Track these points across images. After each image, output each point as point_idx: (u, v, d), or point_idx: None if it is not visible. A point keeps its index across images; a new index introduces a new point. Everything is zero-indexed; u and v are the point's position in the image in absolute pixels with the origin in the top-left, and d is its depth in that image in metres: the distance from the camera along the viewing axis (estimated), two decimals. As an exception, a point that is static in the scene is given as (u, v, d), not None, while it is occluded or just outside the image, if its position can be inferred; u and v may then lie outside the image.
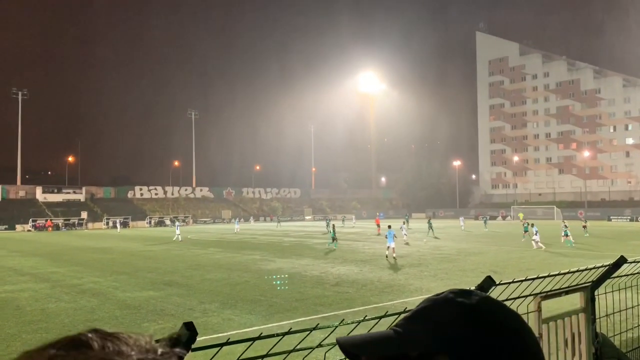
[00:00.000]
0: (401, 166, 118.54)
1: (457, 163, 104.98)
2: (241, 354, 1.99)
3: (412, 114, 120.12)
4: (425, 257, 24.82)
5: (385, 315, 2.57)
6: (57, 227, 68.73)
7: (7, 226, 67.82)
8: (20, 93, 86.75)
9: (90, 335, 0.57)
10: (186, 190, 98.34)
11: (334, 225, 33.23)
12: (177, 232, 41.65)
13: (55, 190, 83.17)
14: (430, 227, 41.93)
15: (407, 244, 31.85)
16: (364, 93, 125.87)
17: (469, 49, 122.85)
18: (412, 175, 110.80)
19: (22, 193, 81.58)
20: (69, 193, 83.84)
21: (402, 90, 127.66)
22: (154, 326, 11.15)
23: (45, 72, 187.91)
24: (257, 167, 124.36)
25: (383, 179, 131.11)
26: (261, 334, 2.21)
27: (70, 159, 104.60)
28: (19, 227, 67.75)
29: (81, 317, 12.08)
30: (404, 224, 37.52)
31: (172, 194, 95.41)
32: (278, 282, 16.59)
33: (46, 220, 69.81)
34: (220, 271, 20.39)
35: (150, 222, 78.22)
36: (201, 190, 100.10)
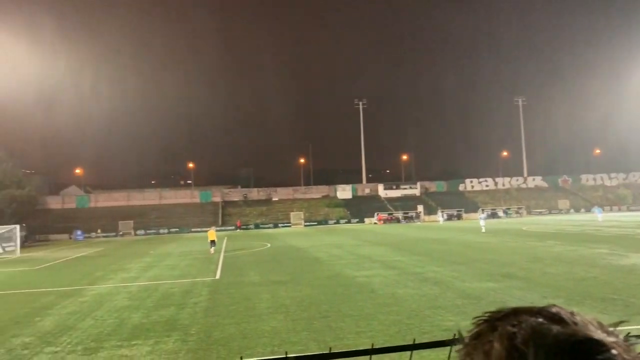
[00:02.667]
0: None
1: None
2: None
3: None
4: None
5: None
6: (397, 220, 75.64)
7: (358, 219, 78.28)
8: (361, 103, 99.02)
9: (561, 310, 0.62)
10: (517, 180, 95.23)
11: None
12: (482, 223, 42.57)
13: (394, 187, 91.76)
14: None
15: None
16: None
17: None
18: None
19: (367, 190, 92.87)
20: (405, 188, 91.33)
21: None
22: (495, 318, 11.07)
23: (379, 80, 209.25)
24: (597, 151, 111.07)
25: None
26: (628, 334, 1.91)
27: (405, 157, 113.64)
28: (367, 220, 77.27)
29: (426, 304, 12.90)
30: None
31: (503, 185, 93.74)
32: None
33: (388, 214, 77.72)
34: (561, 265, 18.95)
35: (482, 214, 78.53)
36: (533, 179, 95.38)
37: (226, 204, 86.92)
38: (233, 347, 9.74)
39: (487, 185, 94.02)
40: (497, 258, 22.22)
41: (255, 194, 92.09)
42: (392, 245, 32.25)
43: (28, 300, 16.81)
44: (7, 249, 43.06)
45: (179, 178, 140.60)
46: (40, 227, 69.63)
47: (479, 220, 44.97)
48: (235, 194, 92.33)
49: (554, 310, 0.63)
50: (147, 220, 78.35)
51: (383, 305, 13.01)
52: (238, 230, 72.57)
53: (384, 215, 76.86)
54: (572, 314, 0.62)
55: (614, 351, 0.56)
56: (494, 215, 77.80)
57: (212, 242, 32.47)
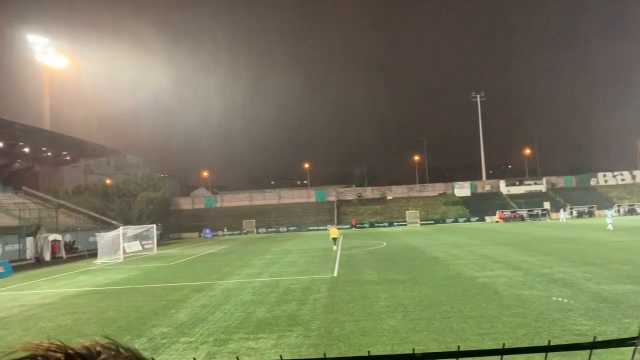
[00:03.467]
0: None
1: None
2: None
3: None
4: None
5: None
6: (521, 218, 71.66)
7: (478, 218, 75.34)
8: (478, 96, 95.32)
9: None
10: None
11: None
12: (609, 221, 40.13)
13: (517, 183, 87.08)
14: None
15: None
16: None
17: None
18: None
19: (487, 187, 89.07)
20: (529, 184, 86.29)
21: None
22: (636, 323, 10.09)
23: (496, 73, 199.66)
24: None
25: None
26: None
27: (528, 151, 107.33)
28: (487, 218, 74.11)
29: (555, 306, 12.06)
30: None
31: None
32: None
33: (512, 212, 73.95)
34: None
35: (618, 211, 71.87)
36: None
37: (341, 202, 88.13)
38: (353, 344, 9.84)
39: (622, 179, 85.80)
40: (637, 258, 20.21)
41: (369, 192, 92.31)
42: (516, 244, 30.64)
43: (165, 293, 18.34)
44: (145, 246, 47.36)
45: (296, 178, 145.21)
46: (174, 226, 75.65)
47: (607, 217, 41.36)
48: (350, 193, 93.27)
49: None
50: (268, 219, 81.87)
51: (508, 307, 12.40)
52: (353, 228, 73.19)
53: (507, 213, 73.24)
54: None
55: None
56: (631, 211, 70.92)
57: (334, 239, 33.71)
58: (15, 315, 15.58)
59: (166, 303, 16.03)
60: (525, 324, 10.54)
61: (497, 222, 70.44)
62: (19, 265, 35.40)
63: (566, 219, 64.12)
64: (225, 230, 77.34)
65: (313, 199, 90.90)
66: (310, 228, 76.84)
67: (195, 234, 76.38)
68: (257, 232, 77.63)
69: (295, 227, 77.78)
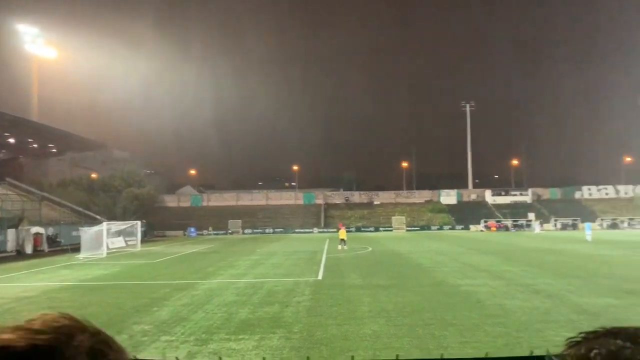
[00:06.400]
0: None
1: None
2: None
3: None
4: None
5: None
6: (506, 228, 72.22)
7: (462, 226, 75.82)
8: (468, 105, 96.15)
9: None
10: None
11: None
12: (588, 232, 42.22)
13: (503, 193, 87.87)
14: None
15: None
16: None
17: None
18: None
19: (473, 196, 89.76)
20: (515, 195, 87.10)
21: None
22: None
23: (486, 82, 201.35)
24: None
25: None
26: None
27: (515, 161, 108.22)
28: (472, 227, 74.60)
29: (537, 317, 12.17)
30: None
31: (626, 194, 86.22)
32: None
33: (497, 222, 74.55)
34: (697, 284, 17.01)
35: (601, 225, 72.75)
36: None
37: (328, 206, 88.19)
38: (335, 348, 9.83)
39: (607, 193, 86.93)
40: (619, 272, 20.46)
41: (357, 197, 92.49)
42: (500, 254, 30.85)
43: (147, 291, 18.18)
44: (129, 243, 46.93)
45: (284, 180, 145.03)
46: (158, 224, 75.06)
47: (585, 229, 43.68)
48: (338, 197, 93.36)
49: None
50: (255, 220, 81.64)
51: (490, 316, 12.47)
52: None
53: (491, 222, 73.80)
54: None
55: None
56: (614, 226, 71.84)
57: (342, 240, 34.64)
58: (-7, 308, 15.34)
59: (148, 301, 15.89)
60: (507, 334, 10.61)
61: (482, 230, 70.88)
62: None
63: (541, 230, 64.76)
64: (211, 229, 76.98)
65: (301, 202, 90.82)
66: (296, 230, 76.74)
67: (180, 232, 75.91)
68: (243, 233, 77.35)
69: (282, 229, 77.65)
